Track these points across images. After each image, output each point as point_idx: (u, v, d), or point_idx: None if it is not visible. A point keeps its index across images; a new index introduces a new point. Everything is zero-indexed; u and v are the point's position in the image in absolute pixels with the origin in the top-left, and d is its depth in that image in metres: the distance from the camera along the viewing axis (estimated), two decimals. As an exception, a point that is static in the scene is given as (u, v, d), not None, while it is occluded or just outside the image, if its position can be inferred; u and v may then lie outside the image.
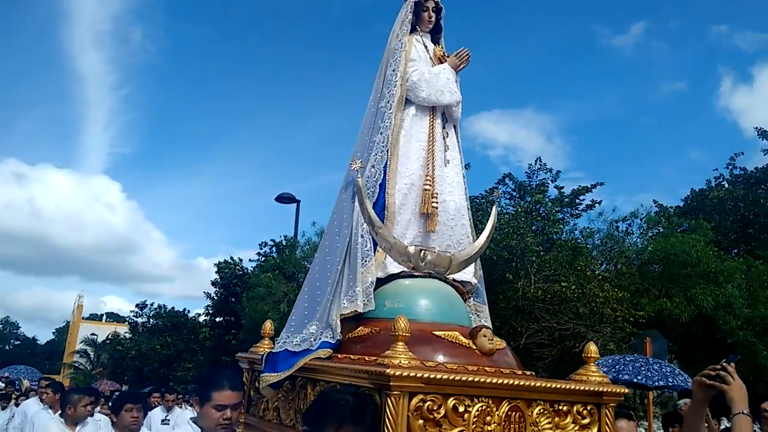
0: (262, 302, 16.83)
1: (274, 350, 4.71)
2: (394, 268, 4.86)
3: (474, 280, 5.30)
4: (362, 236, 4.83)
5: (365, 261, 4.76)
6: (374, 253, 4.83)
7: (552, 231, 15.74)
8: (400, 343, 3.87)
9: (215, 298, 23.52)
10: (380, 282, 4.84)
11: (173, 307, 29.13)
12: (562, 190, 18.70)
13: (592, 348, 4.44)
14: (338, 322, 4.51)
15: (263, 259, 21.09)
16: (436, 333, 4.42)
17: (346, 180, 5.22)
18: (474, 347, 4.39)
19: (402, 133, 5.20)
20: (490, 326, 4.88)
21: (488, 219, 5.37)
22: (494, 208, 5.49)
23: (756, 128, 20.87)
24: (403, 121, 5.24)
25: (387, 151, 5.08)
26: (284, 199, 19.66)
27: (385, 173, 5.03)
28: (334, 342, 4.45)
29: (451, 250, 5.04)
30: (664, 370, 10.29)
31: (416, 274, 4.81)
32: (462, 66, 5.53)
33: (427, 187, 5.08)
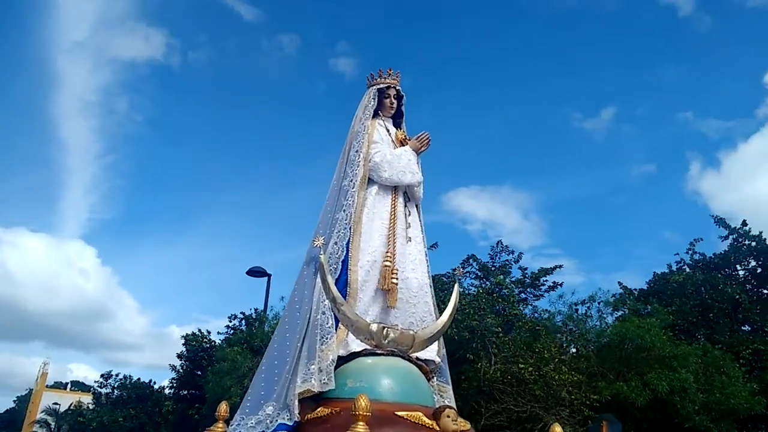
0: (226, 377, 16.31)
1: (227, 433, 4.44)
2: (357, 345, 4.69)
3: (437, 359, 5.13)
4: (323, 312, 4.68)
5: (325, 338, 4.59)
6: (335, 330, 4.66)
7: (511, 312, 15.63)
8: (361, 424, 3.68)
9: (180, 370, 22.76)
10: (342, 360, 4.65)
11: (139, 378, 27.84)
12: (525, 271, 18.83)
13: (557, 430, 4.28)
14: (296, 403, 4.29)
15: (232, 332, 20.59)
16: (399, 413, 4.23)
17: (309, 256, 5.09)
18: (437, 428, 4.20)
19: (365, 211, 5.18)
20: (454, 407, 4.69)
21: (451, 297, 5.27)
22: (456, 286, 5.42)
23: (712, 216, 21.26)
24: (366, 199, 5.24)
25: (350, 228, 5.03)
26: (255, 273, 19.24)
27: (347, 250, 4.95)
28: (291, 424, 4.22)
29: (414, 328, 4.89)
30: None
31: (379, 352, 4.64)
32: (423, 149, 5.63)
33: (388, 263, 4.99)
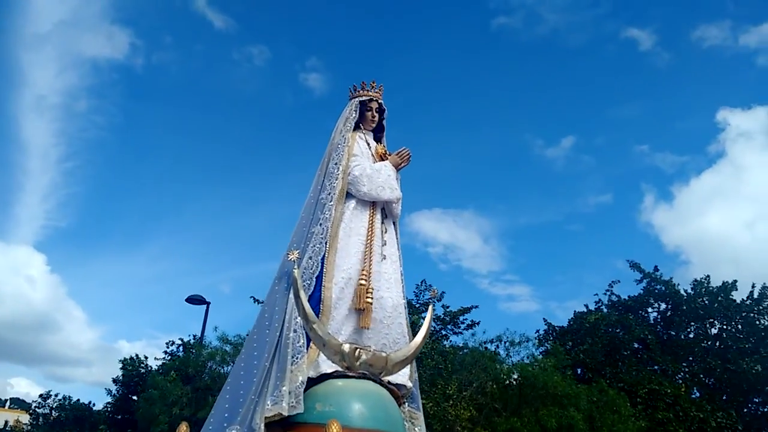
0: (156, 404, 15.34)
1: (186, 458, 3.79)
2: (327, 367, 4.17)
3: (409, 384, 4.65)
4: (295, 330, 4.16)
5: (296, 358, 4.07)
6: (307, 349, 4.13)
7: (419, 351, 15.48)
8: None
9: (116, 394, 21.45)
10: (312, 382, 4.12)
11: (78, 399, 26.13)
12: (447, 309, 19.04)
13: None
14: (262, 427, 3.75)
15: (169, 357, 19.50)
16: None
17: (282, 270, 4.57)
18: (408, 457, 3.72)
19: (342, 226, 4.70)
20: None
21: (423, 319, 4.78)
22: (430, 307, 4.97)
23: (628, 261, 21.64)
24: (343, 214, 4.77)
25: (326, 243, 4.55)
26: (194, 300, 18.29)
27: (322, 266, 4.46)
28: None
29: (387, 350, 4.42)
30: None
31: (350, 374, 4.14)
32: (403, 165, 5.20)
33: (363, 281, 4.52)
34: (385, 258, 4.77)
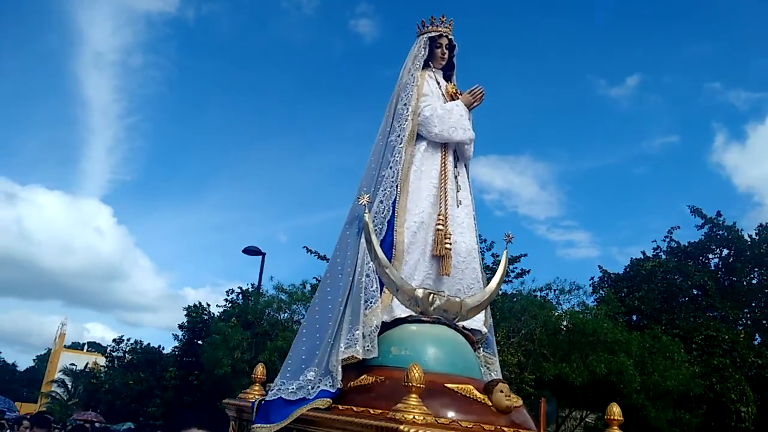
0: (219, 348, 16.04)
1: (267, 398, 3.83)
2: (401, 311, 4.10)
3: (484, 329, 4.55)
4: (367, 275, 4.08)
5: (370, 303, 4.01)
6: (380, 294, 4.06)
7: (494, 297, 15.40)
8: (414, 396, 3.13)
9: (183, 339, 22.49)
10: (386, 326, 4.06)
11: (149, 344, 27.77)
12: (497, 258, 18.59)
13: (615, 410, 3.67)
14: (339, 369, 3.72)
15: (230, 305, 20.10)
16: (448, 386, 3.66)
17: (352, 215, 4.48)
18: (489, 403, 3.62)
19: (413, 168, 4.52)
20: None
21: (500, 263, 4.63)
22: (505, 252, 4.74)
23: (689, 206, 20.92)
24: (413, 156, 4.58)
25: (396, 186, 4.39)
26: (251, 251, 18.67)
27: (393, 209, 4.32)
28: (334, 391, 3.66)
29: (461, 295, 4.32)
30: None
31: (424, 319, 4.05)
32: (475, 104, 4.91)
33: (440, 227, 4.37)
34: (460, 203, 4.60)
